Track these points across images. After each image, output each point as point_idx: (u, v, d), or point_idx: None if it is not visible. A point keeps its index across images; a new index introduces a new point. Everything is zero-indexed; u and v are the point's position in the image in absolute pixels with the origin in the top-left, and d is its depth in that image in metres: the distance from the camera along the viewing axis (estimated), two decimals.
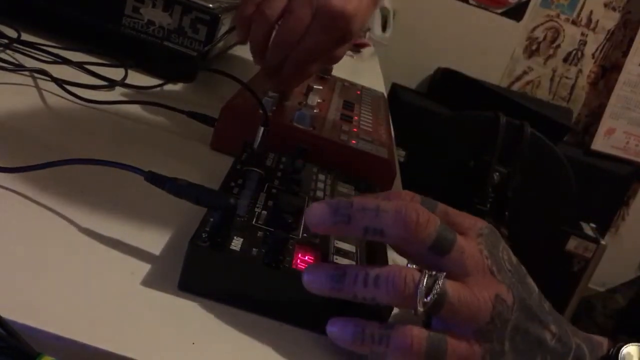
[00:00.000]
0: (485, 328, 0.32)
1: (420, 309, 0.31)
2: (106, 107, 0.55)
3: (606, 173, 2.06)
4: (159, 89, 0.64)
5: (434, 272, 0.32)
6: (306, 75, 0.57)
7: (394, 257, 0.39)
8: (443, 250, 0.32)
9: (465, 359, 0.32)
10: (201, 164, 0.52)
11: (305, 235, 0.37)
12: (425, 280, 0.31)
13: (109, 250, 0.35)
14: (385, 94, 0.90)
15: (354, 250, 0.38)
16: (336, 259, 0.36)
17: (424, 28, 2.15)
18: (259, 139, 0.48)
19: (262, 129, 0.48)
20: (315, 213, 0.33)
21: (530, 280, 0.36)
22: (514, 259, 0.36)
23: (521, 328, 0.33)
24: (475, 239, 0.34)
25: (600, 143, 2.15)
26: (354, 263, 0.37)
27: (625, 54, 2.13)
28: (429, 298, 0.31)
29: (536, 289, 0.36)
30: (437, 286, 0.31)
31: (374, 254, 0.39)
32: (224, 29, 0.68)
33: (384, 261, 0.38)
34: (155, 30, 0.65)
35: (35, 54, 0.61)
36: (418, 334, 0.31)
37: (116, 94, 0.59)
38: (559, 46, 2.18)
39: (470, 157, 1.54)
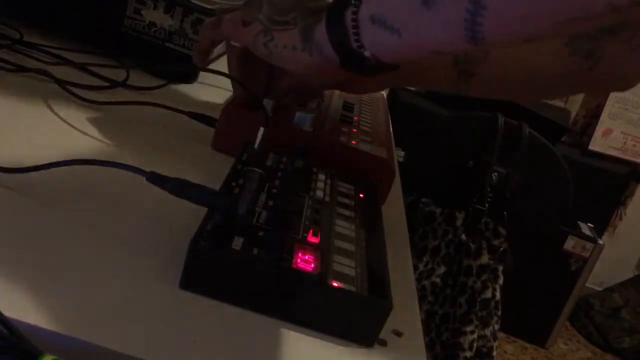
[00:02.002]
0: (244, 2, 0.51)
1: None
2: (107, 108, 0.55)
3: (604, 173, 2.06)
4: (160, 89, 0.64)
5: None
6: None
7: (393, 255, 0.40)
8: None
9: (230, 18, 0.53)
10: (202, 164, 0.52)
11: None
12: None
13: (110, 250, 0.35)
14: (385, 95, 0.91)
15: (354, 249, 0.39)
16: (337, 258, 0.37)
17: None
18: (259, 139, 0.48)
19: (262, 129, 0.48)
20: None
21: None
22: None
23: None
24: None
25: (597, 143, 2.15)
26: (354, 262, 0.37)
27: None
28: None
29: None
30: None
31: (373, 252, 0.39)
32: None
33: (383, 258, 0.39)
34: (157, 31, 0.65)
35: (37, 54, 0.61)
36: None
37: (117, 94, 0.59)
38: None
39: (469, 158, 1.54)
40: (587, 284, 2.11)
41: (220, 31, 0.55)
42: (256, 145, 0.48)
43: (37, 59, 0.60)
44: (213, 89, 0.71)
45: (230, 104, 0.55)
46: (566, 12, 0.32)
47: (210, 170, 0.49)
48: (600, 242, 1.97)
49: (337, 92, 0.71)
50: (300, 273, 0.34)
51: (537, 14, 0.34)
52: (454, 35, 0.37)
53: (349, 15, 0.43)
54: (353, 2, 0.43)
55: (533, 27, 0.35)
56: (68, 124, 0.51)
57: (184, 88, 0.68)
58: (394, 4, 0.41)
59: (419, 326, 0.39)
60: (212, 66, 0.73)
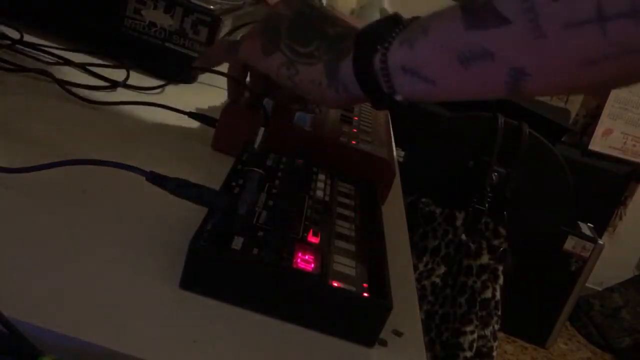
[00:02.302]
0: (261, 27, 0.50)
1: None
2: (108, 108, 0.55)
3: (604, 173, 2.06)
4: (160, 89, 0.64)
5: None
6: None
7: (393, 255, 0.40)
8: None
9: (249, 45, 0.51)
10: (202, 164, 0.52)
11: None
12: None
13: (110, 250, 0.35)
14: None
15: (354, 249, 0.39)
16: (337, 258, 0.37)
17: None
18: (259, 139, 0.48)
19: (262, 129, 0.48)
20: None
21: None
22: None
23: (299, 22, 0.48)
24: None
25: (597, 143, 2.15)
26: (354, 262, 0.37)
27: None
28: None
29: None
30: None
31: (373, 252, 0.39)
32: (224, 30, 0.69)
33: (383, 258, 0.39)
34: (157, 31, 0.65)
35: (38, 55, 0.61)
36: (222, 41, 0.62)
37: (118, 95, 0.59)
38: None
39: (469, 158, 1.54)
40: (587, 284, 2.11)
41: (237, 57, 0.52)
42: (256, 145, 0.48)
43: (37, 59, 0.60)
44: (213, 89, 0.71)
45: (230, 104, 0.55)
46: (613, 79, 0.35)
47: (210, 170, 0.49)
48: (600, 242, 1.97)
49: None
50: (301, 273, 0.34)
51: (580, 80, 0.35)
52: (494, 90, 0.38)
53: (377, 62, 0.42)
54: (379, 48, 0.42)
55: (576, 87, 0.36)
56: (68, 124, 0.51)
57: (184, 88, 0.68)
58: (427, 59, 0.40)
59: (419, 326, 0.39)
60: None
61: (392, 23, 0.43)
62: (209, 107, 0.64)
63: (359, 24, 0.49)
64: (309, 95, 0.49)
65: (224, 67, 0.58)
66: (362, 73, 0.44)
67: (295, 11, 0.49)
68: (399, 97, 0.43)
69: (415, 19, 0.43)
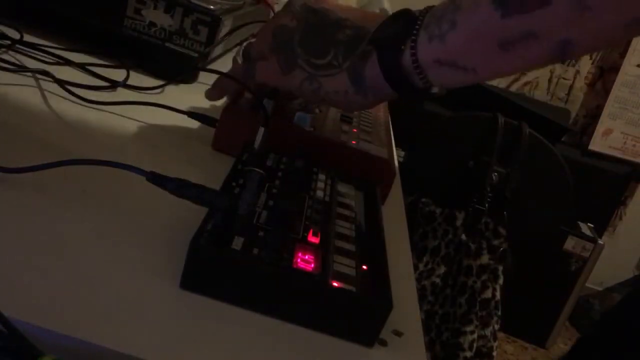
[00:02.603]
0: (272, 44, 0.48)
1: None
2: (108, 108, 0.55)
3: (604, 173, 2.06)
4: (160, 89, 0.64)
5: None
6: None
7: (393, 255, 0.40)
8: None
9: (265, 67, 0.50)
10: (202, 164, 0.52)
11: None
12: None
13: (110, 250, 0.35)
14: None
15: (354, 249, 0.39)
16: (337, 258, 0.37)
17: None
18: (259, 139, 0.48)
19: (262, 129, 0.48)
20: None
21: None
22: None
23: (309, 33, 0.47)
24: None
25: (597, 143, 2.15)
26: (354, 262, 0.37)
27: (622, 55, 2.14)
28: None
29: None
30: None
31: (373, 252, 0.39)
32: (224, 30, 0.69)
33: (383, 258, 0.39)
34: (157, 31, 0.65)
35: (38, 55, 0.61)
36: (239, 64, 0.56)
37: (118, 94, 0.59)
38: None
39: (469, 158, 1.54)
40: (587, 284, 2.11)
41: (255, 80, 0.52)
42: (256, 145, 0.48)
43: (37, 59, 0.60)
44: None
45: (231, 104, 0.55)
46: None
47: (210, 170, 0.49)
48: (600, 242, 1.97)
49: None
50: (301, 273, 0.34)
51: (623, 36, 0.36)
52: (538, 63, 0.39)
53: (407, 61, 0.42)
54: (403, 48, 0.42)
55: (617, 43, 0.37)
56: (68, 124, 0.51)
57: (184, 88, 0.68)
58: (464, 50, 0.40)
59: (419, 326, 0.39)
60: (212, 66, 0.73)
61: (408, 19, 0.43)
62: (209, 107, 0.64)
63: (358, 15, 0.48)
64: (336, 105, 0.48)
65: (224, 67, 0.58)
66: (392, 74, 0.43)
67: (301, 21, 0.48)
68: (435, 90, 0.43)
69: (429, 9, 0.42)
